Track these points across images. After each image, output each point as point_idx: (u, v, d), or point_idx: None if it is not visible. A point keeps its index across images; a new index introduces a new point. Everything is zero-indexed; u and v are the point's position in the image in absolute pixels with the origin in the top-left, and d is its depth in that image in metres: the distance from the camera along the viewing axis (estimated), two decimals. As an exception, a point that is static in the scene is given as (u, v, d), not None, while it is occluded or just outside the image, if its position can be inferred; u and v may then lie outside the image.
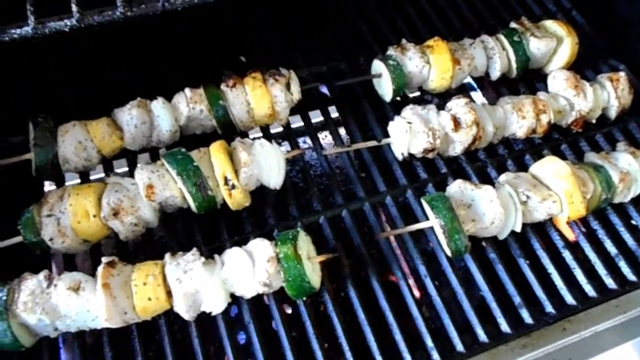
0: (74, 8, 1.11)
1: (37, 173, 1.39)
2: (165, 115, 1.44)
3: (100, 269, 1.18)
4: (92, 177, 1.52)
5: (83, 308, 1.16)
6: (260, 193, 1.45)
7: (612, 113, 1.71)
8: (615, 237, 1.53)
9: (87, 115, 1.45)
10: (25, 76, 1.58)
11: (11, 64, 1.41)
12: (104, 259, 1.20)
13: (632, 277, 1.45)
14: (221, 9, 1.44)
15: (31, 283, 1.16)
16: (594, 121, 1.72)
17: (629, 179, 1.48)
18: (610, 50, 1.93)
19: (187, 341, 1.30)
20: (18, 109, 1.51)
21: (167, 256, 1.24)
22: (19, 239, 1.27)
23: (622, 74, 1.71)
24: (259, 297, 1.31)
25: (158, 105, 1.45)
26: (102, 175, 1.55)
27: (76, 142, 1.38)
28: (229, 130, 1.52)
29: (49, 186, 1.57)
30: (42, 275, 1.17)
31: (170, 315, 1.28)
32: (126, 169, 1.55)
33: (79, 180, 1.50)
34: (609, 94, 1.68)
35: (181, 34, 1.64)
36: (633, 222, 1.57)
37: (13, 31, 1.13)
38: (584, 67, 1.84)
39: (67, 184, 1.47)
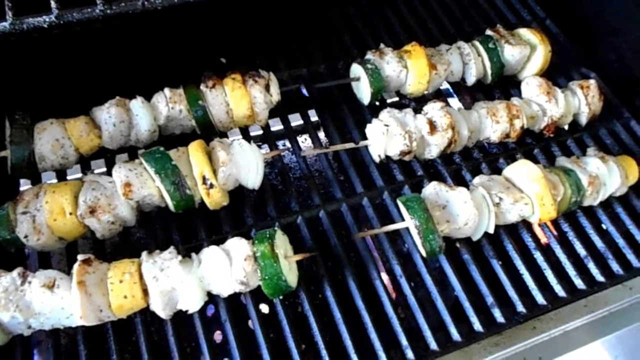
0: (53, 4, 1.11)
1: (12, 171, 1.38)
2: (144, 114, 1.44)
3: (75, 266, 1.17)
4: (69, 178, 1.51)
5: (57, 306, 1.15)
6: (238, 193, 1.46)
7: (583, 119, 1.76)
8: (584, 239, 1.57)
9: (65, 113, 1.45)
10: (2, 73, 1.56)
11: (-12, 61, 1.41)
12: (80, 257, 1.19)
13: (600, 277, 1.49)
14: (202, 10, 1.45)
15: (5, 280, 1.15)
16: (565, 127, 1.77)
17: (597, 182, 1.53)
18: (582, 59, 1.99)
19: (163, 340, 1.30)
20: (-6, 106, 1.50)
21: (144, 254, 1.24)
22: (-7, 236, 1.26)
23: (592, 81, 1.76)
24: (235, 296, 1.32)
25: (137, 105, 1.45)
26: (80, 175, 1.54)
27: (53, 139, 1.38)
28: (208, 131, 1.53)
29: (24, 185, 1.55)
30: (16, 273, 1.16)
31: (146, 314, 1.28)
32: (104, 169, 1.55)
33: (55, 180, 1.49)
34: (579, 101, 1.73)
35: (161, 34, 1.64)
36: (602, 225, 1.62)
37: (-10, 27, 1.13)
38: (557, 74, 1.89)
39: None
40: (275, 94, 1.56)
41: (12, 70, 1.58)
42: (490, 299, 1.42)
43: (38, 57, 1.57)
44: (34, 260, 1.43)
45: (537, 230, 1.59)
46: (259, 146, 1.48)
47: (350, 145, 1.58)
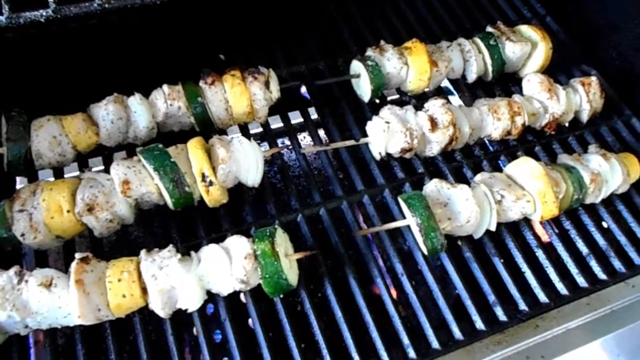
0: (50, -1, 1.09)
1: (9, 168, 1.36)
2: (143, 111, 1.43)
3: (73, 264, 1.16)
4: (66, 176, 1.49)
5: (55, 305, 1.13)
6: (238, 191, 1.44)
7: (584, 116, 1.75)
8: (586, 237, 1.57)
9: (62, 110, 1.43)
10: (-1, 69, 1.55)
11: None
12: (78, 255, 1.18)
13: (602, 275, 1.49)
14: (201, 6, 1.43)
15: (1, 279, 1.13)
16: (566, 124, 1.76)
17: (599, 179, 1.52)
18: (583, 56, 1.99)
19: (162, 339, 1.28)
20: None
21: (143, 252, 1.22)
22: (-12, 234, 1.24)
23: (593, 78, 1.75)
24: (235, 295, 1.30)
25: (135, 101, 1.43)
26: (77, 173, 1.52)
27: (50, 137, 1.36)
28: (207, 128, 1.51)
29: (20, 183, 1.54)
30: (12, 271, 1.15)
31: (145, 313, 1.26)
32: (102, 167, 1.53)
33: (52, 178, 1.47)
34: (581, 98, 1.72)
35: (159, 30, 1.62)
36: (604, 223, 1.61)
37: (-14, 21, 1.11)
38: (558, 71, 1.88)
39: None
40: (275, 91, 1.55)
41: (9, 67, 1.56)
42: (492, 297, 1.41)
43: (35, 53, 1.54)
44: (31, 258, 1.41)
45: (539, 228, 1.58)
46: (259, 144, 1.46)
47: (351, 142, 1.56)
